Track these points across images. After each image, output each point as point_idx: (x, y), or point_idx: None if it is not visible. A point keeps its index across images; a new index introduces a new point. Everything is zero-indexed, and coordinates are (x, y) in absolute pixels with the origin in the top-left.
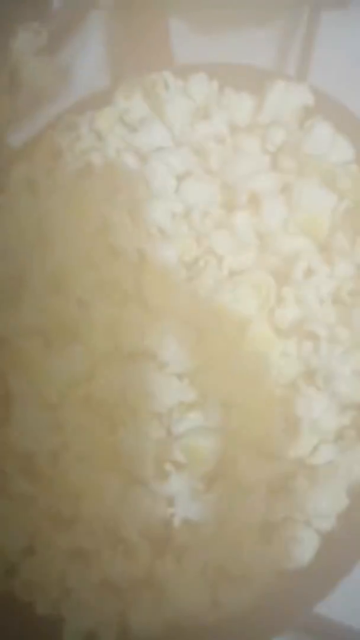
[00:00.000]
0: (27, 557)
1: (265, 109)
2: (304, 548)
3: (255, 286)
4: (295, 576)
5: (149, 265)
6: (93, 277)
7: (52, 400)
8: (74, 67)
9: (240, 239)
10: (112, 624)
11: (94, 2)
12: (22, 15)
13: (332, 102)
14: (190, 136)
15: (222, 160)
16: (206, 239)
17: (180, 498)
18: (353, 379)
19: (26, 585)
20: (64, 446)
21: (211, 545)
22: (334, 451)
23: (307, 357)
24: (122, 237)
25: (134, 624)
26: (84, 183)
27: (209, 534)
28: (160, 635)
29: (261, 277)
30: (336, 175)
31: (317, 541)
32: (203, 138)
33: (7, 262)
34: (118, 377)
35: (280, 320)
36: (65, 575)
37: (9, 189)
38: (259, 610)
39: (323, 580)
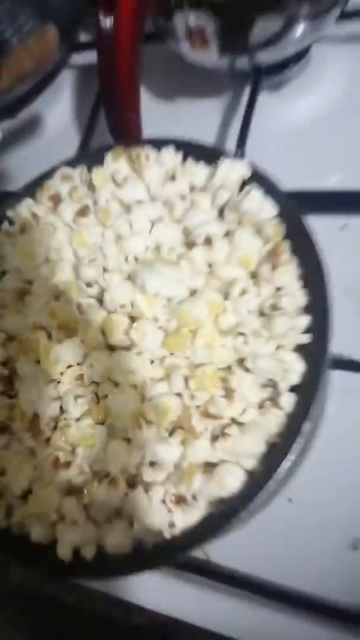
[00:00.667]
0: (25, 498)
1: (216, 176)
2: (234, 480)
3: (206, 300)
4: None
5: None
6: (88, 289)
7: (53, 377)
8: (45, 116)
9: (196, 268)
10: (92, 542)
11: (65, 62)
12: None
13: (262, 174)
14: (161, 193)
15: (184, 211)
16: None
17: (150, 444)
18: (269, 358)
19: (22, 521)
20: (62, 411)
21: (171, 479)
22: (256, 414)
23: (240, 348)
24: (110, 261)
25: (109, 541)
26: (81, 220)
27: (169, 471)
28: (128, 549)
29: (211, 294)
30: (263, 226)
31: (243, 475)
32: (171, 194)
33: (18, 276)
34: (106, 361)
35: (222, 324)
36: (59, 506)
37: (18, 220)
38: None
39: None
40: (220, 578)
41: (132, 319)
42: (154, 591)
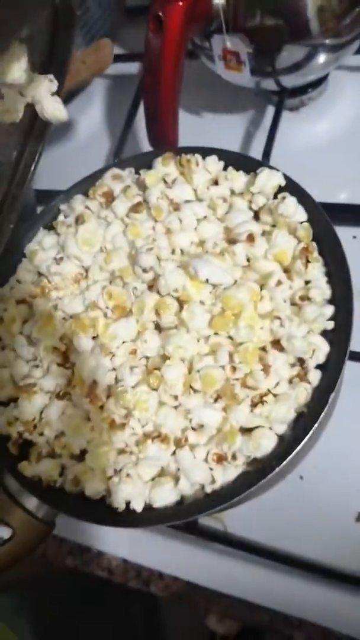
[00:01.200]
0: (81, 458)
1: (256, 183)
2: (269, 442)
3: (248, 288)
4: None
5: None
6: (144, 274)
7: (110, 351)
8: (78, 121)
9: (237, 261)
10: (142, 495)
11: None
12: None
13: (295, 184)
14: (206, 195)
15: (225, 212)
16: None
17: (197, 409)
18: (301, 339)
19: (78, 476)
20: (116, 381)
21: (213, 441)
22: (287, 387)
23: (276, 330)
24: (164, 252)
25: (157, 496)
26: (135, 215)
27: (211, 434)
28: (172, 503)
29: (250, 284)
30: (296, 228)
31: (276, 438)
32: (214, 197)
33: (76, 262)
34: (157, 338)
35: (260, 309)
36: (114, 463)
37: (72, 213)
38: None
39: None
40: (236, 545)
41: (180, 303)
42: (173, 559)
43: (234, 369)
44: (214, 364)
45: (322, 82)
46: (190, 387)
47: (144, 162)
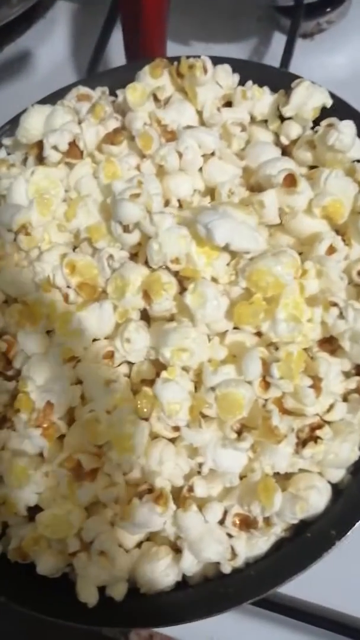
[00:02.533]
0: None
1: (291, 102)
2: (321, 496)
3: (290, 257)
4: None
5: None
6: (125, 235)
7: (73, 354)
8: (37, 53)
9: (267, 216)
10: (124, 577)
11: None
12: None
13: (349, 105)
14: (217, 120)
15: (242, 147)
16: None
17: (210, 447)
18: None
19: (25, 547)
20: (83, 399)
21: (234, 494)
22: (344, 410)
23: (335, 324)
24: (155, 200)
25: (146, 576)
26: (111, 148)
27: (230, 483)
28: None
29: (291, 253)
30: (356, 169)
31: (329, 490)
32: (229, 123)
33: (23, 217)
34: (146, 335)
35: (306, 290)
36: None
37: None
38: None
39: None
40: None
41: (181, 282)
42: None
43: (266, 384)
44: (237, 378)
45: (343, 2)
46: (201, 414)
47: (122, 80)
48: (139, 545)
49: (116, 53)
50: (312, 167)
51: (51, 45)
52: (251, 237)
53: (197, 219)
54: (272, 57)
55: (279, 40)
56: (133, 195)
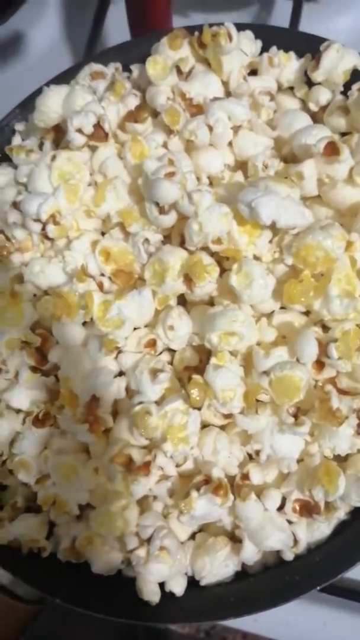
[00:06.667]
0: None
1: (321, 66)
2: None
3: (338, 231)
4: None
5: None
6: (161, 217)
7: (115, 345)
8: (29, 35)
9: (306, 189)
10: (182, 571)
11: None
12: None
13: None
14: (244, 89)
15: (270, 116)
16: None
17: (266, 433)
18: None
19: (79, 547)
20: (129, 392)
21: (292, 480)
22: None
23: None
24: (190, 178)
25: (206, 568)
26: (135, 127)
27: (291, 469)
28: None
29: (338, 227)
30: None
31: None
32: (257, 92)
33: (51, 206)
34: (188, 320)
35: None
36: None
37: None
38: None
39: None
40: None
41: (220, 263)
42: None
43: (319, 365)
44: (291, 360)
45: None
46: (255, 397)
47: (134, 55)
48: (192, 536)
49: (114, 30)
50: (343, 135)
51: (43, 26)
52: (298, 212)
53: (239, 197)
54: (277, 23)
55: (280, 7)
56: (168, 174)
